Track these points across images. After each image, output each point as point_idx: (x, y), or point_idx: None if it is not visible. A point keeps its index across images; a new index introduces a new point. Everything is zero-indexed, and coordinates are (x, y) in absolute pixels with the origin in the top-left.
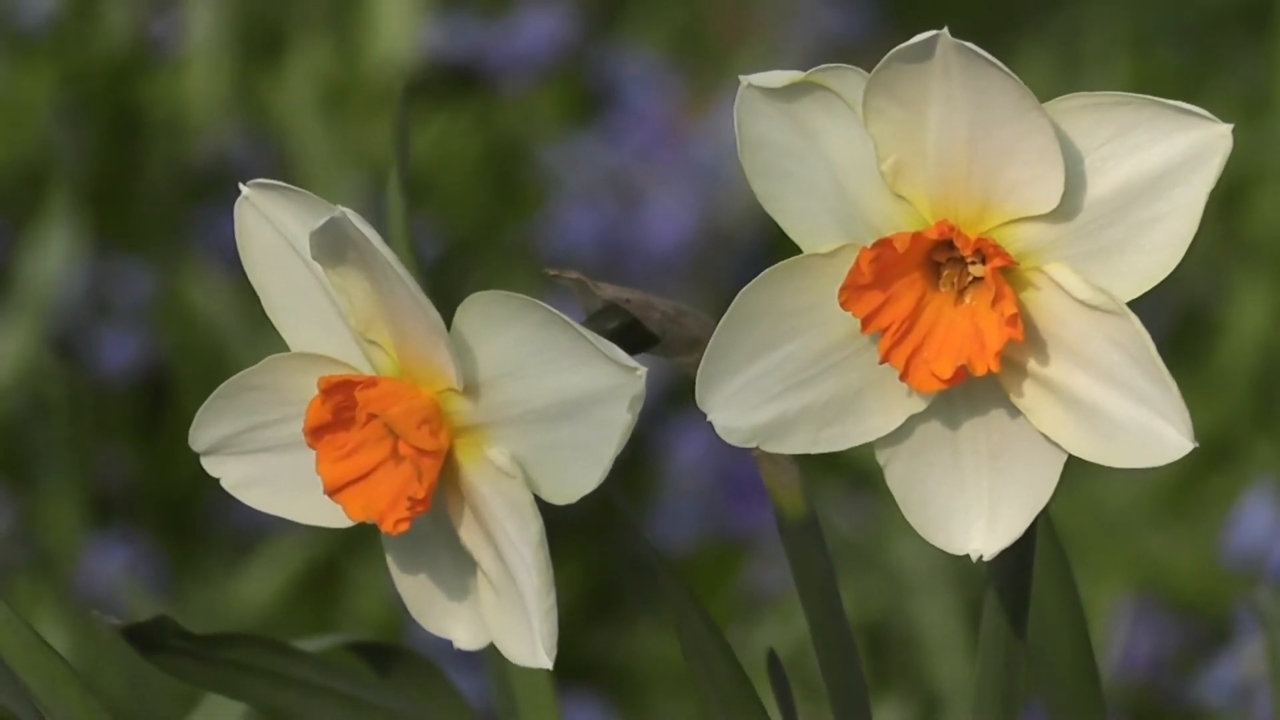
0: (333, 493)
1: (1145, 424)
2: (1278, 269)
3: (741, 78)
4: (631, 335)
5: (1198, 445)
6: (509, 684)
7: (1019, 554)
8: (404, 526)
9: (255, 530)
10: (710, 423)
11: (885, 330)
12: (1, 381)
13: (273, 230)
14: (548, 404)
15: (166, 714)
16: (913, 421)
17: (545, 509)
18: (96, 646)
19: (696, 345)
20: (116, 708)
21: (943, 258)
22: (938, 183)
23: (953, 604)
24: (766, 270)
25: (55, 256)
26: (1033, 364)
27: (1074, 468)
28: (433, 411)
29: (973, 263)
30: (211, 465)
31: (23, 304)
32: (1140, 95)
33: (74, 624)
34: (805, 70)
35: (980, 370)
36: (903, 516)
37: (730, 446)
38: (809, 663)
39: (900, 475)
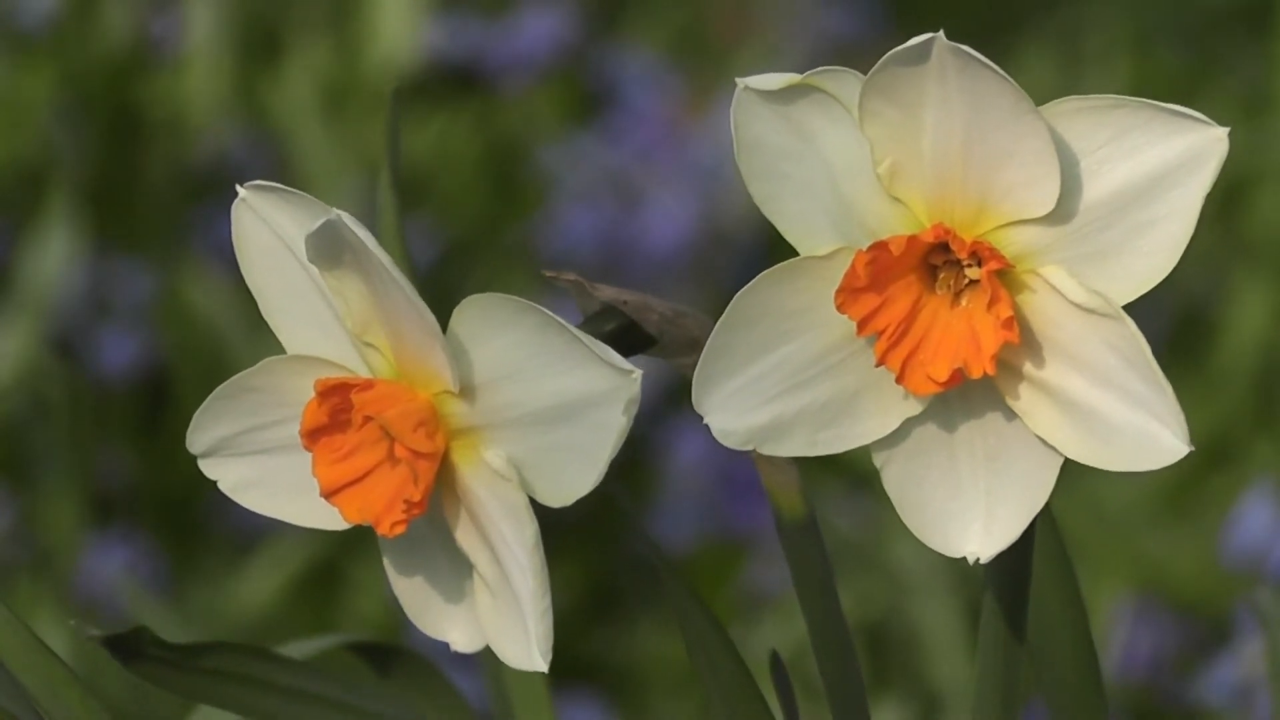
0: (329, 495)
1: (1141, 427)
2: (1277, 269)
3: (738, 80)
4: (629, 337)
5: (1193, 449)
6: (505, 685)
7: (1018, 555)
8: (400, 529)
9: (255, 530)
10: (707, 425)
11: (881, 333)
12: (1, 381)
13: (269, 232)
14: (544, 407)
15: (166, 715)
16: (909, 424)
17: (544, 510)
18: (96, 647)
19: (695, 346)
20: (116, 709)
21: (939, 260)
22: (934, 185)
23: (953, 604)
24: (763, 273)
25: (55, 256)
26: (1029, 367)
27: (1074, 468)
28: (429, 414)
29: (969, 266)
30: (209, 467)
31: (23, 304)
32: (1136, 98)
33: (77, 623)
34: (802, 72)
35: (976, 373)
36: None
37: (729, 447)
38: (809, 663)
39: (897, 478)
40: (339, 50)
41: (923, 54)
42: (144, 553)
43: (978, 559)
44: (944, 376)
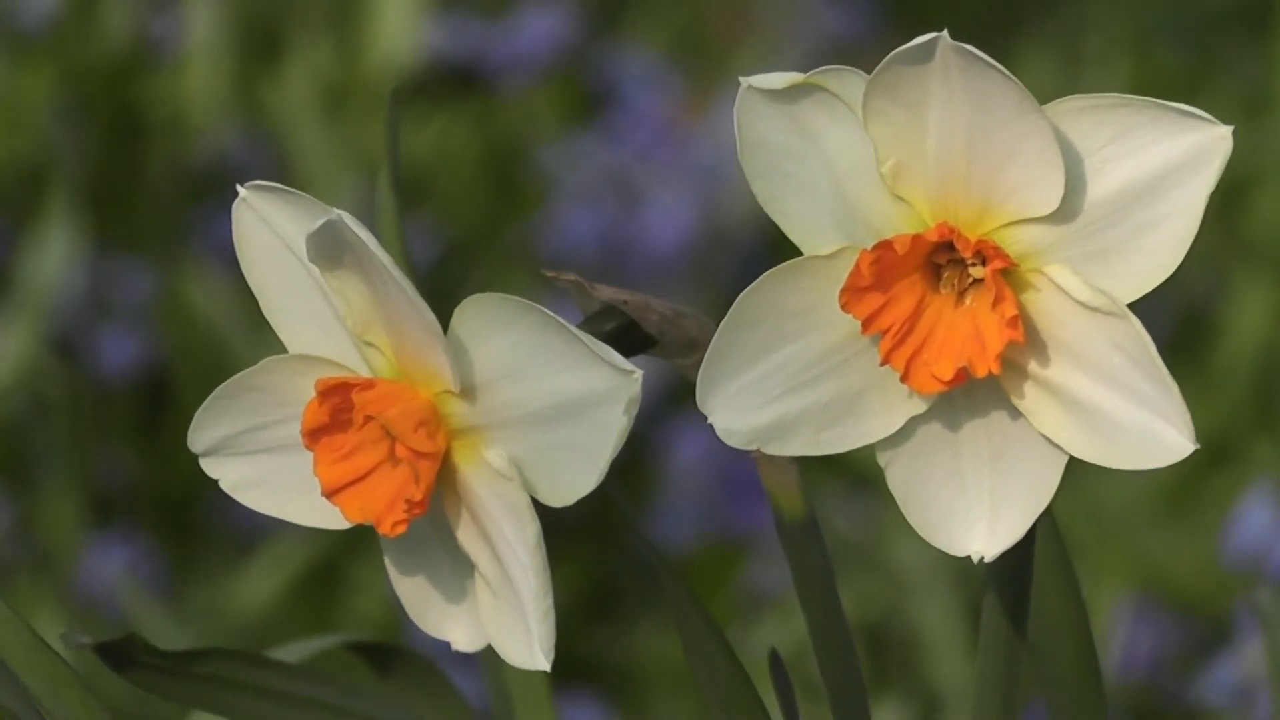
0: (330, 494)
1: (1146, 425)
2: (1278, 269)
3: (742, 79)
4: (629, 337)
5: (1199, 446)
6: (505, 685)
7: (1019, 554)
8: (401, 528)
9: (255, 530)
10: (710, 424)
11: (886, 332)
12: (1, 381)
13: (270, 232)
14: (544, 406)
15: (166, 715)
16: (913, 423)
17: (545, 510)
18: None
19: (695, 346)
20: (117, 709)
21: (943, 259)
22: (938, 185)
23: (953, 604)
24: (767, 272)
25: (55, 256)
26: (1033, 366)
27: (1074, 468)
28: (430, 413)
29: (973, 265)
30: (210, 466)
31: (23, 304)
32: (1140, 97)
33: (74, 625)
34: (805, 72)
35: (981, 372)
36: (903, 517)
37: (730, 447)
38: (809, 663)
39: (901, 477)
40: (339, 50)
41: (927, 53)
42: (144, 553)
43: (982, 558)
44: (949, 375)
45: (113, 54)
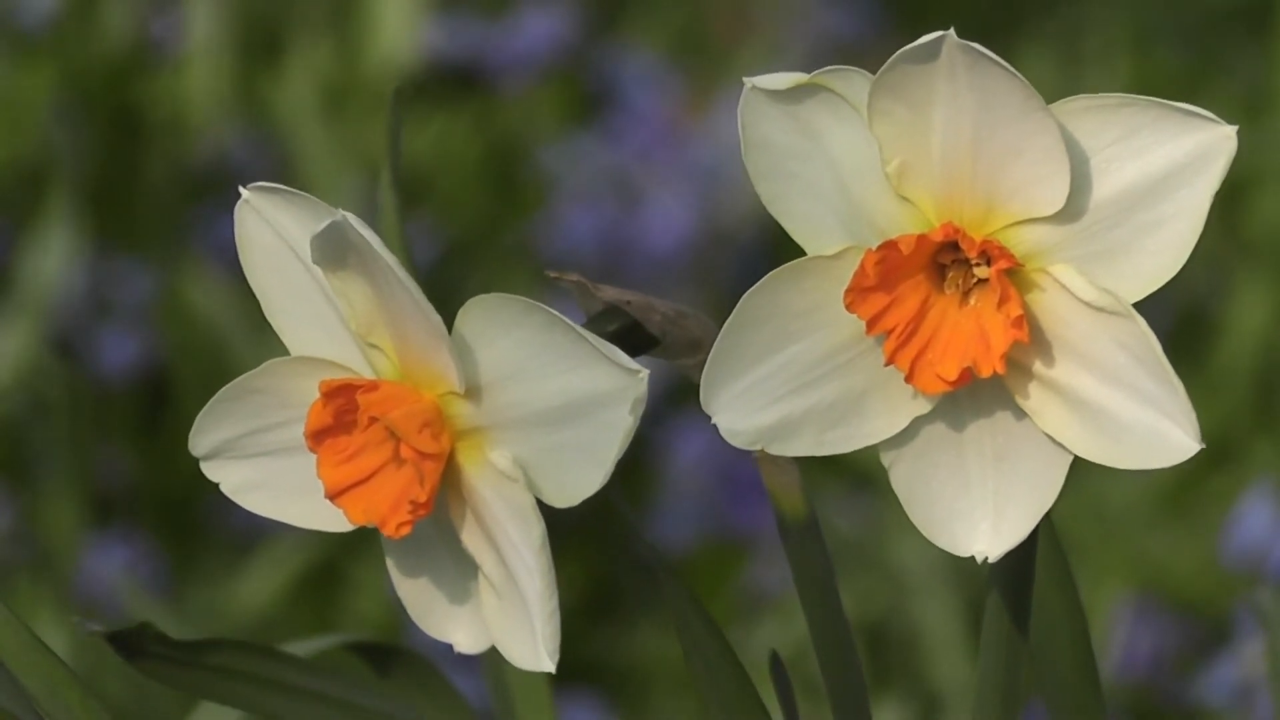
0: (334, 496)
1: (1151, 425)
2: (1278, 269)
3: (746, 79)
4: (632, 337)
5: (1204, 446)
6: (506, 685)
7: (1021, 554)
8: (406, 530)
9: (255, 531)
10: (714, 425)
11: (890, 332)
12: (1, 381)
13: (273, 234)
14: (550, 407)
15: (166, 715)
16: (918, 423)
17: (545, 510)
18: (96, 648)
19: (697, 347)
20: (116, 709)
21: (948, 259)
22: (943, 184)
23: (953, 604)
24: (771, 273)
25: (55, 256)
26: (1038, 366)
27: (1075, 468)
28: (434, 415)
29: (978, 264)
30: (211, 470)
31: (23, 304)
32: (1145, 97)
33: (74, 625)
34: (809, 72)
35: (986, 372)
36: (903, 517)
37: (730, 447)
38: (809, 663)
39: (905, 477)
40: (339, 50)
41: (932, 52)
42: (144, 553)
43: (986, 558)
44: (953, 375)
45: (113, 54)
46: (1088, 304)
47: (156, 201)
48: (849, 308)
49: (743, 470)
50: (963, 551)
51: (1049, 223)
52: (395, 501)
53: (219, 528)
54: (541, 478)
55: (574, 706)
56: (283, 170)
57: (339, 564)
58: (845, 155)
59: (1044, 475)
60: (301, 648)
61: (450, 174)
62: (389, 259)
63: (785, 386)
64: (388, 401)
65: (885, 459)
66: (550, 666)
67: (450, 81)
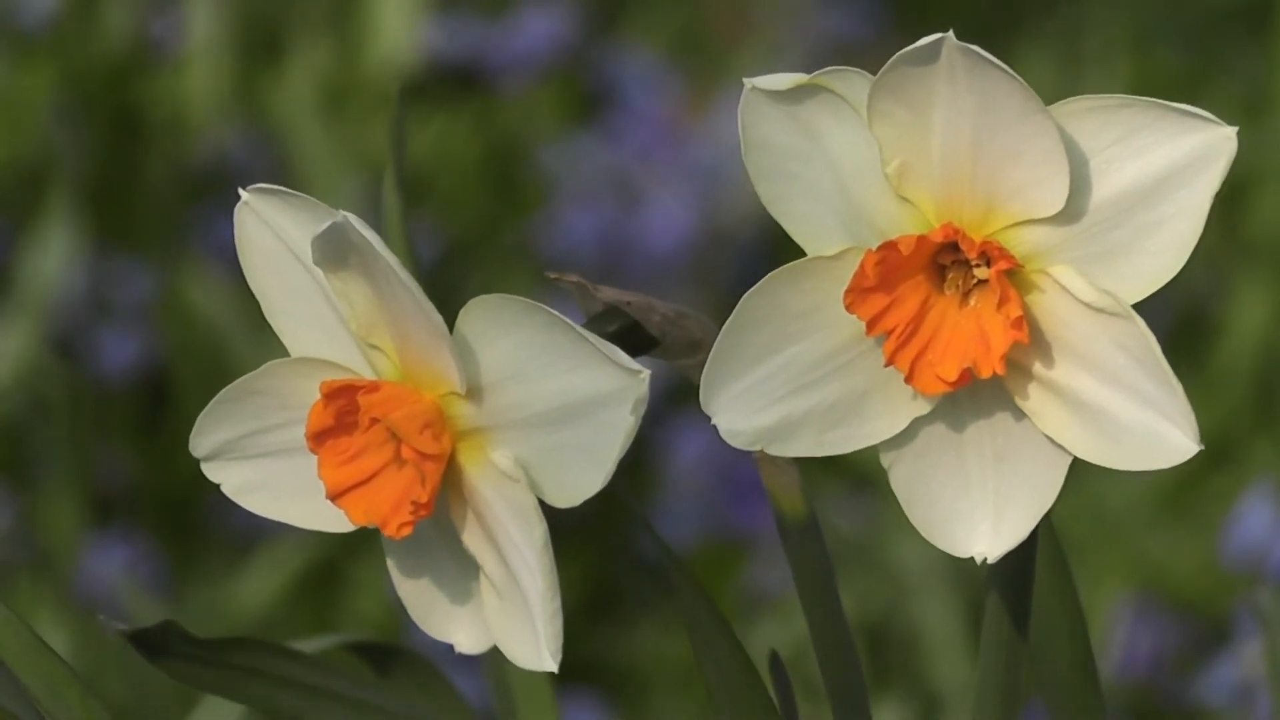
0: (335, 497)
1: (1150, 426)
2: (1278, 269)
3: (746, 80)
4: (632, 338)
5: (1203, 447)
6: (508, 685)
7: (1021, 555)
8: (407, 530)
9: (255, 531)
10: (714, 425)
11: (890, 333)
12: (1, 381)
13: (273, 235)
14: (551, 407)
15: (167, 715)
16: (917, 424)
17: (547, 510)
18: (96, 647)
19: (697, 347)
20: (116, 709)
21: (948, 260)
22: (943, 185)
23: (953, 604)
24: (771, 273)
25: (55, 256)
26: (1038, 367)
27: (1075, 468)
28: (435, 415)
29: (978, 265)
30: (212, 471)
31: (23, 304)
32: (1145, 98)
33: (74, 625)
34: (809, 72)
35: (985, 373)
36: (903, 517)
37: (730, 447)
38: (809, 663)
39: (905, 478)
40: (339, 50)
41: (932, 54)
42: (144, 553)
43: (985, 559)
44: (953, 376)
45: (113, 54)
46: (1087, 305)
47: (156, 201)
48: (849, 308)
49: (743, 470)
50: (962, 552)
51: (1049, 224)
52: (396, 502)
53: (219, 528)
54: (543, 478)
55: (574, 706)
56: (282, 170)
57: (339, 564)
58: (845, 156)
59: (1043, 476)
60: (302, 648)
61: (450, 174)
62: (390, 259)
63: (785, 387)
64: (389, 402)
65: (885, 460)
66: (553, 666)
67: (450, 81)
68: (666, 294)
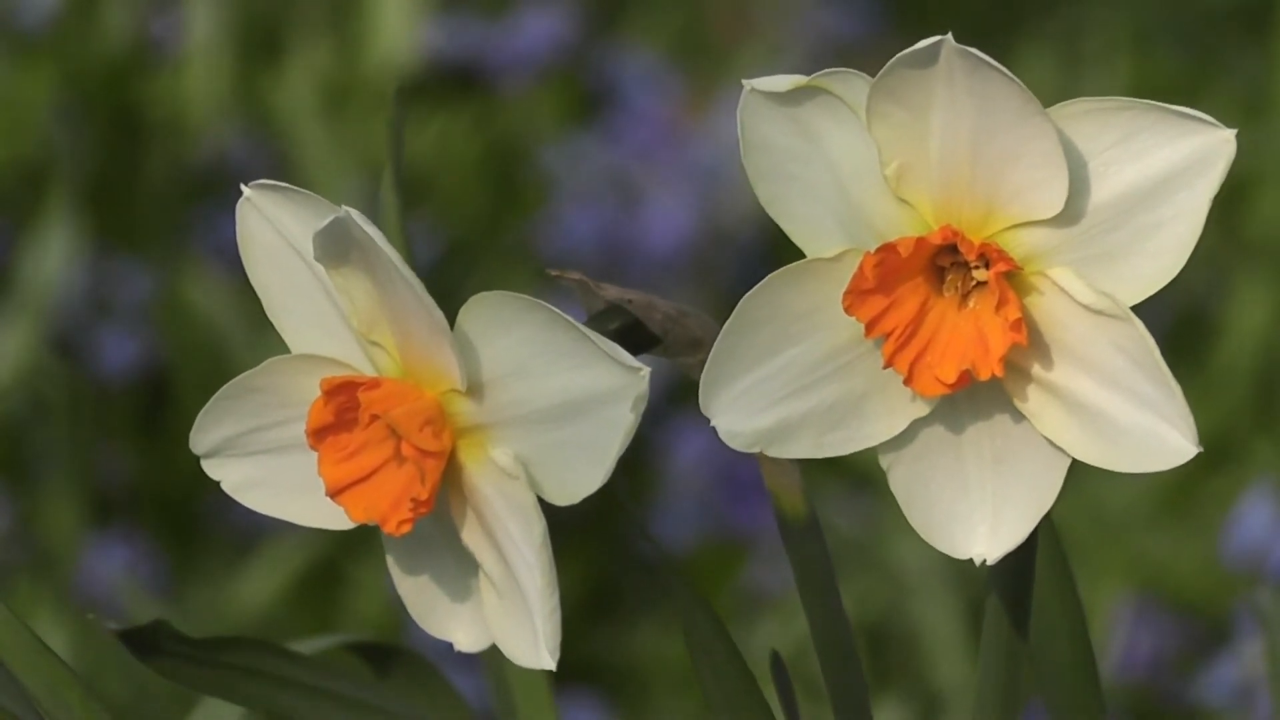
0: (335, 494)
1: (1149, 428)
2: (1278, 269)
3: (745, 82)
4: (633, 336)
5: (1202, 449)
6: (508, 684)
7: (1021, 556)
8: (407, 528)
9: (255, 530)
10: (713, 427)
11: (889, 335)
12: (1, 381)
13: (274, 231)
14: (551, 404)
15: (167, 715)
16: (916, 426)
17: (546, 508)
18: (97, 648)
19: (698, 346)
20: (117, 709)
21: (946, 262)
22: (941, 187)
23: (953, 604)
24: (770, 275)
25: (55, 256)
26: (1037, 368)
27: (1075, 469)
28: (436, 412)
29: (977, 267)
30: (212, 468)
31: (23, 304)
32: (1144, 100)
33: (74, 625)
34: (808, 74)
35: (984, 375)
36: (904, 517)
37: (730, 447)
38: (809, 663)
39: (904, 480)
40: (339, 50)
41: (931, 56)
42: (144, 553)
43: (984, 561)
44: (952, 378)
45: (113, 54)
46: (1086, 307)
47: (156, 201)
48: (848, 310)
49: (743, 470)
50: (961, 554)
51: (1048, 226)
52: (396, 499)
53: (219, 527)
54: (543, 475)
55: (574, 706)
56: (282, 170)
57: (339, 564)
58: (844, 157)
59: (1042, 477)
60: (302, 648)
61: (450, 174)
62: (392, 254)
63: (784, 389)
64: (389, 399)
65: (884, 461)
66: (551, 664)
67: (450, 81)
68: (666, 294)
